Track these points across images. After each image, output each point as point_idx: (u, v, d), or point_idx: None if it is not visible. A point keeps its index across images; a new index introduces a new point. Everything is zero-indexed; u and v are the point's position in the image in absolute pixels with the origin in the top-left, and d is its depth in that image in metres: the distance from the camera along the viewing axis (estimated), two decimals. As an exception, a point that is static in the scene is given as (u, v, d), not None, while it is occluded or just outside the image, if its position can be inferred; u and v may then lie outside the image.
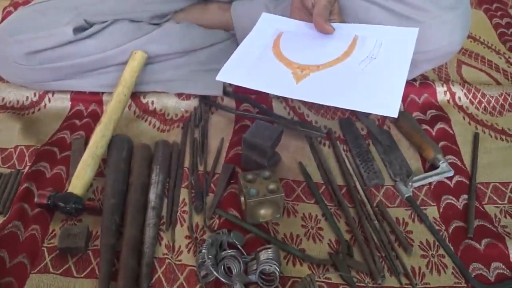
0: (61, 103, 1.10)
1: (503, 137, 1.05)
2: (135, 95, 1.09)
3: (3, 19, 1.37)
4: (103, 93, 1.10)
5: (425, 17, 0.96)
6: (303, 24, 0.96)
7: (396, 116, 0.75)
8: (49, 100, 1.11)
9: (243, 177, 0.87)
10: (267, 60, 0.90)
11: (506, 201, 0.91)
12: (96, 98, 1.10)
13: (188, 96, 1.11)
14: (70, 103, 1.10)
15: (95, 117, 1.07)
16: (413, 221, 0.88)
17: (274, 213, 0.87)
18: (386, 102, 0.78)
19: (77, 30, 1.05)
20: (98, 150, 0.92)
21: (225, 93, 1.12)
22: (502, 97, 1.12)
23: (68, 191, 0.87)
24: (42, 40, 1.03)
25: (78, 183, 0.88)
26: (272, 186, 0.85)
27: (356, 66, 0.86)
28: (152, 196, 0.88)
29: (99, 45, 1.06)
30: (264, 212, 0.86)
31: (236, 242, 0.82)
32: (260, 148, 0.91)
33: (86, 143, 1.00)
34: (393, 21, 0.99)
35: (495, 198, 0.92)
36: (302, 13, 0.98)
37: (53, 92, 1.11)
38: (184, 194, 0.91)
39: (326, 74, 0.85)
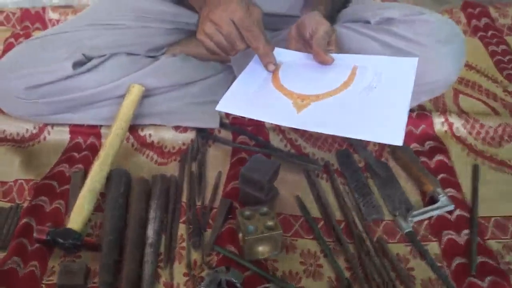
0: (60, 135, 1.09)
1: (504, 168, 1.03)
2: (133, 128, 1.08)
3: (4, 50, 1.37)
4: (101, 126, 1.09)
5: (420, 51, 0.96)
6: (301, 55, 0.95)
7: (401, 144, 0.73)
8: (49, 133, 1.10)
9: (240, 214, 0.85)
10: (267, 91, 0.89)
11: (509, 236, 0.89)
12: (94, 131, 1.09)
13: (185, 129, 1.10)
14: (69, 135, 1.09)
15: (94, 150, 1.06)
16: (414, 257, 0.86)
17: (272, 249, 0.85)
18: (390, 130, 0.76)
19: (76, 64, 1.05)
20: (96, 185, 0.90)
21: (222, 125, 1.11)
22: (501, 128, 1.10)
23: (67, 226, 0.85)
24: (42, 75, 1.03)
25: (76, 219, 0.86)
26: (270, 223, 0.84)
27: (357, 95, 0.85)
28: (150, 232, 0.86)
29: (97, 79, 1.05)
30: (262, 249, 0.84)
31: (235, 280, 0.80)
32: (257, 183, 0.90)
33: (84, 176, 0.99)
34: (388, 54, 0.98)
35: (497, 233, 0.90)
36: (299, 44, 0.97)
37: (53, 125, 1.10)
38: (182, 229, 0.90)
39: (327, 103, 0.84)
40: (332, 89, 0.87)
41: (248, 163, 0.92)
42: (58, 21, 1.49)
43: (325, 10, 1.02)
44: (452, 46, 0.97)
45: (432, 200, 0.95)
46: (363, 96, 0.84)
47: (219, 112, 1.12)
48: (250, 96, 0.88)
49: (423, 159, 1.04)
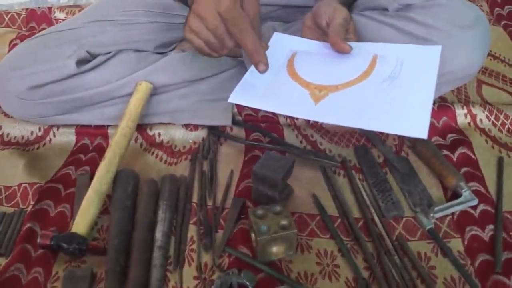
0: (66, 137, 1.10)
1: (529, 161, 1.01)
2: (141, 127, 1.08)
3: (9, 51, 1.37)
4: (108, 126, 1.10)
5: (441, 37, 0.93)
6: (317, 44, 0.94)
7: (425, 137, 0.72)
8: (54, 135, 1.10)
9: (252, 213, 0.84)
10: (282, 81, 0.88)
11: (535, 231, 0.87)
12: (101, 131, 1.09)
13: (196, 127, 1.10)
14: (75, 137, 1.10)
15: (101, 151, 1.06)
16: (436, 255, 0.85)
17: (286, 250, 0.84)
18: (414, 122, 0.75)
19: (80, 62, 1.05)
20: (102, 187, 0.90)
21: (234, 122, 1.11)
22: (527, 118, 1.08)
23: (72, 230, 0.85)
24: (44, 74, 1.03)
25: (81, 222, 0.86)
26: (284, 222, 0.83)
27: (378, 85, 0.83)
28: (159, 234, 0.86)
29: (103, 77, 1.06)
30: (276, 250, 0.83)
31: (247, 283, 0.79)
32: (270, 180, 0.89)
33: (91, 178, 0.98)
34: (407, 42, 0.96)
35: (523, 228, 0.88)
36: (315, 33, 0.96)
37: (58, 127, 1.11)
38: (192, 231, 0.90)
39: (346, 94, 0.83)
40: (351, 79, 0.85)
41: (260, 160, 0.91)
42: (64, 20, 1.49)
43: None
44: (475, 32, 0.94)
45: (455, 195, 0.93)
46: (384, 86, 0.82)
47: (232, 109, 1.12)
48: (264, 87, 0.87)
49: (445, 152, 1.02)
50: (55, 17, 1.51)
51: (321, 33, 0.94)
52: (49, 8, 1.53)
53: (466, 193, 0.91)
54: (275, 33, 0.98)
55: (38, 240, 0.84)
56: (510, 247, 0.84)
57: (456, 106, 1.10)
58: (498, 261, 0.81)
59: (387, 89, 0.82)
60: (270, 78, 0.88)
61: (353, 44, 0.91)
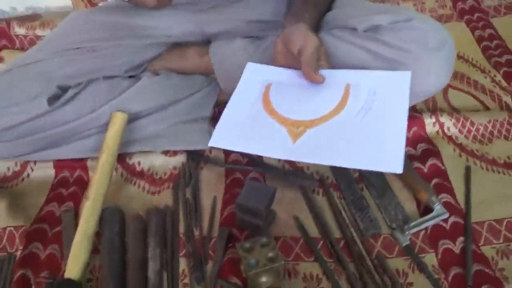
0: (44, 172, 1.12)
1: (494, 168, 1.09)
2: (120, 157, 1.11)
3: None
4: (87, 158, 1.12)
5: (409, 59, 0.99)
6: (291, 73, 0.98)
7: (401, 172, 0.78)
8: (32, 169, 1.13)
9: (241, 247, 0.90)
10: (260, 118, 0.92)
11: (501, 240, 0.96)
12: (80, 164, 1.12)
13: (175, 152, 1.14)
14: (54, 170, 1.12)
15: (82, 184, 1.10)
16: (413, 271, 0.93)
17: (275, 278, 0.90)
18: (389, 158, 0.81)
19: (51, 99, 1.06)
20: (89, 229, 0.94)
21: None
22: (491, 124, 1.16)
23: (66, 277, 0.89)
24: (16, 115, 1.04)
25: (74, 267, 0.90)
26: (270, 254, 0.89)
27: (353, 119, 0.88)
28: (151, 274, 0.91)
29: (76, 110, 1.07)
30: (265, 280, 0.89)
31: (241, 314, 0.86)
32: (254, 211, 0.95)
33: (76, 215, 1.03)
34: (376, 64, 1.02)
35: (490, 238, 0.96)
36: (287, 58, 1.00)
37: (35, 161, 1.13)
38: (183, 264, 0.95)
39: (322, 130, 0.88)
40: (326, 113, 0.90)
41: (242, 191, 0.96)
42: (25, 37, 1.49)
43: (310, 19, 1.05)
44: (441, 53, 1.00)
45: (427, 209, 1.01)
46: (358, 119, 0.88)
47: (209, 131, 1.15)
48: (242, 126, 0.90)
49: (417, 164, 1.09)
50: (15, 32, 1.50)
51: (293, 59, 0.98)
52: (8, 23, 1.51)
53: (437, 207, 0.99)
54: (248, 64, 1.02)
55: (33, 289, 0.89)
56: (479, 259, 0.92)
57: (425, 115, 1.17)
58: (469, 275, 0.89)
59: (361, 124, 0.88)
60: (247, 115, 0.92)
61: (326, 72, 0.96)
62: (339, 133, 0.87)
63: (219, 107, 1.23)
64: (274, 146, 0.87)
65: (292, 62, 0.99)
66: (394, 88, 0.93)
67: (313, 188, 1.07)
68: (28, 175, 1.13)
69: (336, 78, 0.96)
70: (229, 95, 1.18)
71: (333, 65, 1.02)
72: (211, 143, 0.89)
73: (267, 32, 1.18)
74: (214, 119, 1.20)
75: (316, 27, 1.09)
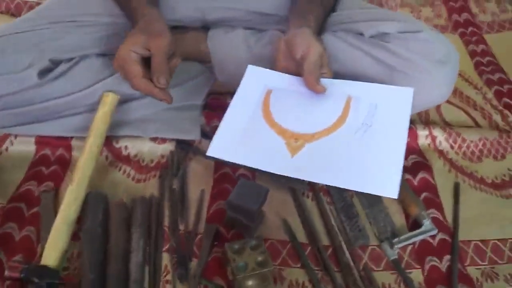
0: (25, 147, 1.05)
1: (482, 187, 1.08)
2: (107, 139, 1.03)
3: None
4: (72, 137, 1.06)
5: (413, 70, 0.97)
6: (292, 80, 0.95)
7: (396, 197, 0.77)
8: (12, 143, 1.05)
9: (230, 249, 0.86)
10: (259, 128, 0.89)
11: (487, 262, 0.95)
12: (64, 142, 1.05)
13: (163, 140, 1.09)
14: (35, 147, 1.05)
15: (64, 164, 1.03)
16: (399, 286, 0.91)
17: (262, 283, 0.86)
18: (385, 182, 0.80)
19: (42, 71, 0.99)
20: (71, 215, 0.88)
21: (204, 135, 1.10)
22: (481, 142, 1.15)
23: (42, 263, 0.83)
24: (3, 84, 0.97)
25: (52, 254, 0.84)
26: (260, 258, 0.86)
27: (352, 136, 0.87)
28: (133, 266, 0.86)
29: (66, 87, 1.01)
30: (252, 283, 0.86)
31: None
32: (246, 211, 0.91)
33: (56, 196, 0.97)
34: (379, 71, 1.00)
35: (476, 258, 0.95)
36: (288, 62, 0.96)
37: (16, 135, 1.05)
38: (166, 259, 0.90)
39: (321, 146, 0.86)
40: (326, 127, 0.88)
41: (234, 189, 0.92)
42: (12, 1, 1.39)
43: (315, 19, 1.01)
44: (446, 67, 0.98)
45: (416, 223, 0.99)
46: (358, 136, 0.86)
47: (200, 121, 1.12)
48: (240, 136, 0.88)
49: (407, 176, 1.07)
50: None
51: (294, 62, 0.95)
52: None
53: (426, 223, 0.97)
54: (249, 66, 0.99)
55: (6, 273, 0.82)
56: (464, 279, 0.91)
57: (418, 126, 1.15)
58: (454, 295, 0.88)
59: (360, 142, 0.86)
60: (246, 124, 0.90)
61: (328, 82, 0.93)
62: (338, 150, 0.85)
63: (212, 96, 1.19)
64: (272, 160, 0.85)
65: (294, 65, 0.96)
66: (396, 105, 0.91)
67: (303, 191, 1.04)
68: (7, 149, 1.05)
69: (337, 89, 0.94)
70: (223, 85, 1.17)
71: (335, 69, 0.99)
72: (209, 153, 0.86)
73: (268, 26, 1.14)
74: (207, 108, 1.17)
75: (321, 28, 1.06)
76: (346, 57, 1.02)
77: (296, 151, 0.85)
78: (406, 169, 1.09)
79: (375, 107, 0.90)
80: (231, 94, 0.97)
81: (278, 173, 0.83)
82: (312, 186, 1.04)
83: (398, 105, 0.90)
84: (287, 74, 0.96)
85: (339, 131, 0.88)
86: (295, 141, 0.86)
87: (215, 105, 1.16)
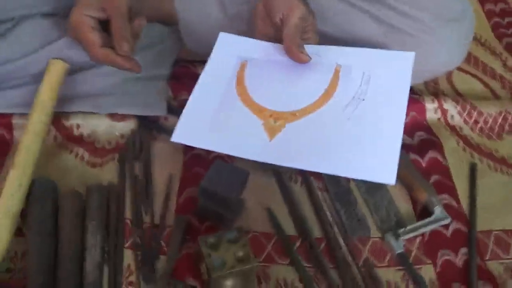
0: (-44, 125, 1.03)
1: (503, 168, 1.09)
2: (55, 116, 1.02)
3: None
4: (13, 114, 1.04)
5: (418, 30, 0.98)
6: (271, 48, 0.95)
7: (393, 183, 0.77)
8: None
9: (203, 243, 0.85)
10: (232, 107, 0.89)
11: (511, 255, 0.95)
12: (4, 120, 1.03)
13: (122, 117, 1.08)
14: (-31, 125, 1.03)
15: (4, 146, 1.01)
16: (407, 285, 0.91)
17: (243, 282, 0.86)
18: (381, 165, 0.80)
19: None
20: (14, 206, 0.86)
21: (170, 110, 1.09)
22: (501, 116, 1.15)
23: (-20, 263, 0.82)
24: None
25: (-9, 252, 0.83)
26: (240, 253, 0.84)
27: (341, 113, 0.86)
28: (89, 266, 0.85)
29: (6, 53, 1.00)
30: (231, 283, 0.85)
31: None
32: (222, 199, 0.90)
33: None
34: (378, 33, 1.00)
35: (498, 251, 0.96)
36: (267, 27, 0.96)
37: None
38: (129, 257, 0.89)
39: (305, 125, 0.86)
40: (310, 103, 0.88)
41: (208, 173, 0.91)
42: None
43: None
44: (458, 26, 0.98)
45: (425, 211, 0.99)
46: (348, 113, 0.86)
47: (167, 92, 1.11)
48: (210, 118, 0.88)
49: (414, 156, 1.07)
50: None
51: (274, 29, 0.94)
52: None
53: (438, 211, 0.97)
54: (221, 34, 0.99)
55: None
56: (484, 275, 0.91)
57: (426, 99, 1.15)
58: (473, 293, 0.88)
59: (350, 119, 0.86)
60: (217, 102, 0.90)
61: (312, 49, 0.92)
62: (325, 130, 0.85)
63: (180, 64, 1.19)
64: (248, 144, 0.85)
65: (274, 32, 0.95)
66: (393, 74, 0.91)
67: (290, 174, 1.04)
68: None
69: (324, 57, 0.94)
70: (193, 53, 1.15)
71: (323, 32, 0.99)
72: (174, 138, 0.86)
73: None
74: (173, 78, 1.16)
75: None
76: (337, 16, 1.02)
77: (276, 132, 0.85)
78: (412, 149, 1.09)
79: (369, 77, 0.90)
80: (203, 62, 0.96)
81: (254, 159, 0.82)
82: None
83: (396, 74, 0.90)
84: (265, 42, 0.96)
85: (326, 108, 0.87)
86: (274, 121, 0.86)
87: (183, 74, 1.16)
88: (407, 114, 1.08)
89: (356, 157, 0.81)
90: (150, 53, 1.12)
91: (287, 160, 0.83)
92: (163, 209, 0.96)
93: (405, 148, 1.07)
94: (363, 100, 0.87)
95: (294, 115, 0.87)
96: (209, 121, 0.88)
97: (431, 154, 1.08)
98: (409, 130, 1.12)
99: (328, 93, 0.89)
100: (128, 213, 0.95)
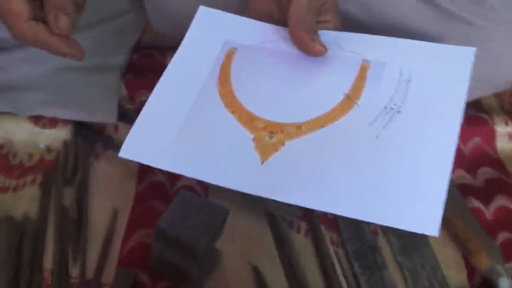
0: None
1: None
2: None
3: None
4: None
5: (486, 19, 0.99)
6: (271, 31, 0.96)
7: (436, 234, 0.75)
8: None
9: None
10: (210, 113, 0.89)
11: None
12: None
13: (53, 122, 1.10)
14: None
15: None
16: None
17: None
18: (419, 207, 0.78)
19: None
20: None
21: (123, 116, 1.11)
22: None
23: None
24: None
25: None
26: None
27: (367, 128, 0.85)
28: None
29: None
30: None
31: None
32: (187, 247, 0.90)
33: None
34: (424, 16, 1.02)
35: None
36: (268, 3, 0.97)
37: None
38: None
39: (313, 144, 0.85)
40: (323, 113, 0.87)
41: (170, 208, 0.91)
42: None
43: None
44: None
45: (486, 283, 0.99)
46: (376, 129, 0.85)
47: (118, 91, 1.14)
48: (178, 127, 0.88)
49: (475, 203, 1.08)
50: None
51: (277, 5, 0.95)
52: None
53: (504, 284, 0.97)
54: (201, 8, 0.99)
55: None
56: None
57: (497, 119, 1.17)
58: None
59: (379, 137, 0.84)
60: (189, 102, 0.89)
61: (330, 36, 0.93)
62: (339, 153, 0.84)
63: (141, 52, 1.21)
64: (230, 168, 0.84)
65: (276, 9, 0.96)
66: (444, 77, 0.89)
67: (291, 218, 1.05)
68: None
69: (346, 48, 0.94)
70: (160, 37, 1.18)
71: (347, 13, 1.02)
72: (122, 153, 0.84)
73: None
74: (130, 71, 1.19)
75: None
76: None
77: (271, 152, 0.84)
78: (473, 191, 1.10)
79: (409, 80, 0.89)
80: (173, 49, 0.96)
81: (239, 190, 0.81)
82: (306, 211, 1.05)
83: (449, 78, 0.88)
84: (263, 23, 0.97)
85: (345, 120, 0.86)
86: (270, 136, 0.85)
87: (145, 66, 1.18)
88: (468, 140, 1.14)
89: (385, 193, 0.80)
90: (99, 32, 1.14)
91: (285, 194, 0.82)
92: (101, 258, 0.97)
93: (463, 190, 1.09)
94: (399, 112, 0.86)
95: (298, 129, 0.86)
96: (176, 131, 0.87)
97: (500, 201, 1.09)
98: (469, 164, 1.13)
99: (349, 100, 0.88)
100: (48, 261, 0.95)
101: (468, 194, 1.09)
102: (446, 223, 1.04)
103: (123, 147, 0.84)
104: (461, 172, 1.12)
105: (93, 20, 1.12)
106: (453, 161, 0.81)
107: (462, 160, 1.13)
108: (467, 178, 1.12)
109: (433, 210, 0.78)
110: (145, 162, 0.85)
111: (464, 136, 1.14)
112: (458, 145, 1.09)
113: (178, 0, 1.10)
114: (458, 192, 1.07)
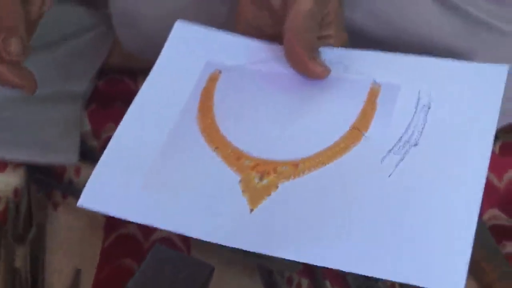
0: None
1: None
2: None
3: None
4: None
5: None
6: (262, 50, 0.97)
7: None
8: None
9: None
10: (188, 150, 0.89)
11: None
12: None
13: (1, 165, 1.11)
14: None
15: None
16: None
17: None
18: (440, 265, 0.77)
19: None
20: None
21: (86, 155, 1.11)
22: None
23: None
24: None
25: None
26: None
27: (377, 166, 0.85)
28: None
29: None
30: None
31: None
32: (161, 314, 0.89)
33: None
34: (446, 26, 1.02)
35: None
36: (259, 12, 0.96)
37: None
38: None
39: (312, 186, 0.84)
40: (324, 148, 0.87)
41: (143, 267, 0.91)
42: None
43: None
44: None
45: None
46: (389, 167, 0.85)
47: (81, 124, 1.14)
48: (149, 168, 0.88)
49: (510, 248, 1.07)
50: None
51: (271, 18, 0.95)
52: None
53: None
54: (178, 23, 1.00)
55: None
56: None
57: (536, 146, 1.17)
58: None
59: (393, 177, 0.84)
60: (163, 137, 0.90)
61: (334, 54, 0.93)
62: (344, 196, 0.83)
63: (106, 78, 1.22)
64: (213, 217, 0.84)
65: (269, 22, 0.96)
66: (471, 102, 0.89)
67: (289, 274, 1.05)
68: None
69: (353, 68, 0.94)
70: (130, 57, 1.19)
71: (354, 24, 1.02)
72: (82, 201, 0.84)
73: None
74: (95, 100, 1.19)
75: None
76: (393, 3, 1.04)
77: (261, 197, 0.84)
78: (510, 233, 1.09)
79: (428, 107, 0.89)
80: (145, 74, 0.96)
81: (224, 245, 0.81)
82: (307, 264, 1.03)
83: (475, 102, 0.88)
84: (253, 39, 0.97)
85: (351, 156, 0.86)
86: (260, 178, 0.85)
87: (113, 93, 1.19)
88: (502, 173, 1.14)
89: (400, 245, 0.80)
90: (57, 54, 1.16)
91: (279, 248, 0.82)
92: (59, 331, 0.96)
93: (497, 232, 1.08)
94: (416, 145, 0.86)
95: (294, 168, 0.86)
96: (146, 174, 0.87)
97: (540, 245, 1.09)
98: (504, 200, 1.13)
99: (356, 131, 0.88)
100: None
101: (503, 237, 1.08)
102: (478, 273, 1.05)
103: (82, 194, 0.84)
104: (494, 212, 1.12)
105: (50, 39, 1.14)
106: (481, 202, 0.81)
107: (495, 197, 1.13)
108: (502, 218, 1.12)
109: (457, 264, 0.77)
110: (110, 213, 0.85)
111: (497, 168, 1.15)
112: (491, 179, 1.13)
113: (151, 13, 1.11)
114: (492, 238, 1.06)
